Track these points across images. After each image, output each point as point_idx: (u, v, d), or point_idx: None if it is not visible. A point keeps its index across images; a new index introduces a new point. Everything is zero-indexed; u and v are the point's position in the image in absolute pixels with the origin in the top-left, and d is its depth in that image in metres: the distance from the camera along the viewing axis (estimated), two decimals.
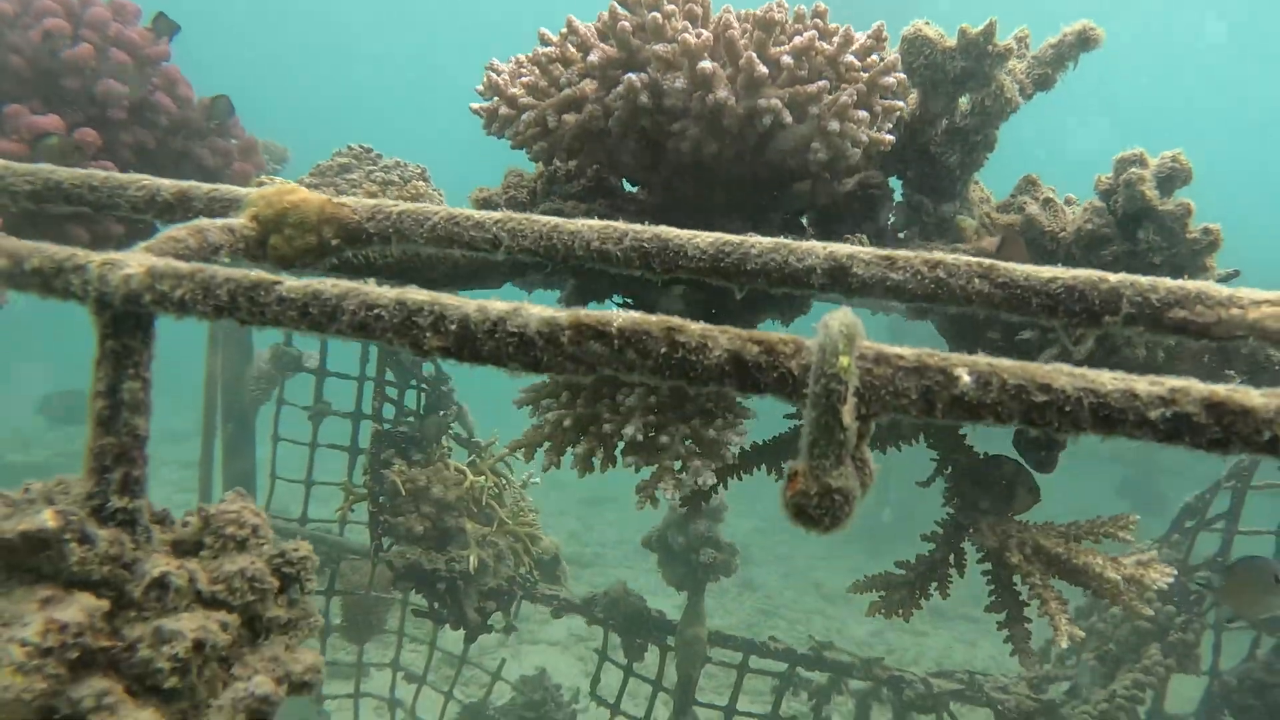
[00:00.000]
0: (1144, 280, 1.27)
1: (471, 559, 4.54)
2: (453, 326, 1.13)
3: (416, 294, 1.16)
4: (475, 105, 2.34)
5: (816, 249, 1.33)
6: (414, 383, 5.30)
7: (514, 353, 1.10)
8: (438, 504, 4.55)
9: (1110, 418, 0.94)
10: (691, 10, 2.17)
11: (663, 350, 1.04)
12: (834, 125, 2.08)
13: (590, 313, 1.10)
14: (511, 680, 5.95)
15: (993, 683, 4.70)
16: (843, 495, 0.97)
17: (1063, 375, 0.97)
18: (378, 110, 51.23)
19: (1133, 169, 2.08)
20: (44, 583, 1.26)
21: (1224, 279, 2.55)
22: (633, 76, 2.08)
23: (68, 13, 3.06)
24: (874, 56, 2.20)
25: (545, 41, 2.28)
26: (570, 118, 2.13)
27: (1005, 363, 0.99)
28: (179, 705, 1.27)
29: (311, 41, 54.80)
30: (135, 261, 1.33)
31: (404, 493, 4.54)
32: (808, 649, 4.79)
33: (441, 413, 4.75)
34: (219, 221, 1.54)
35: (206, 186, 1.65)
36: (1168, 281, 1.27)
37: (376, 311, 1.16)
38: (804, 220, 2.60)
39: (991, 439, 2.75)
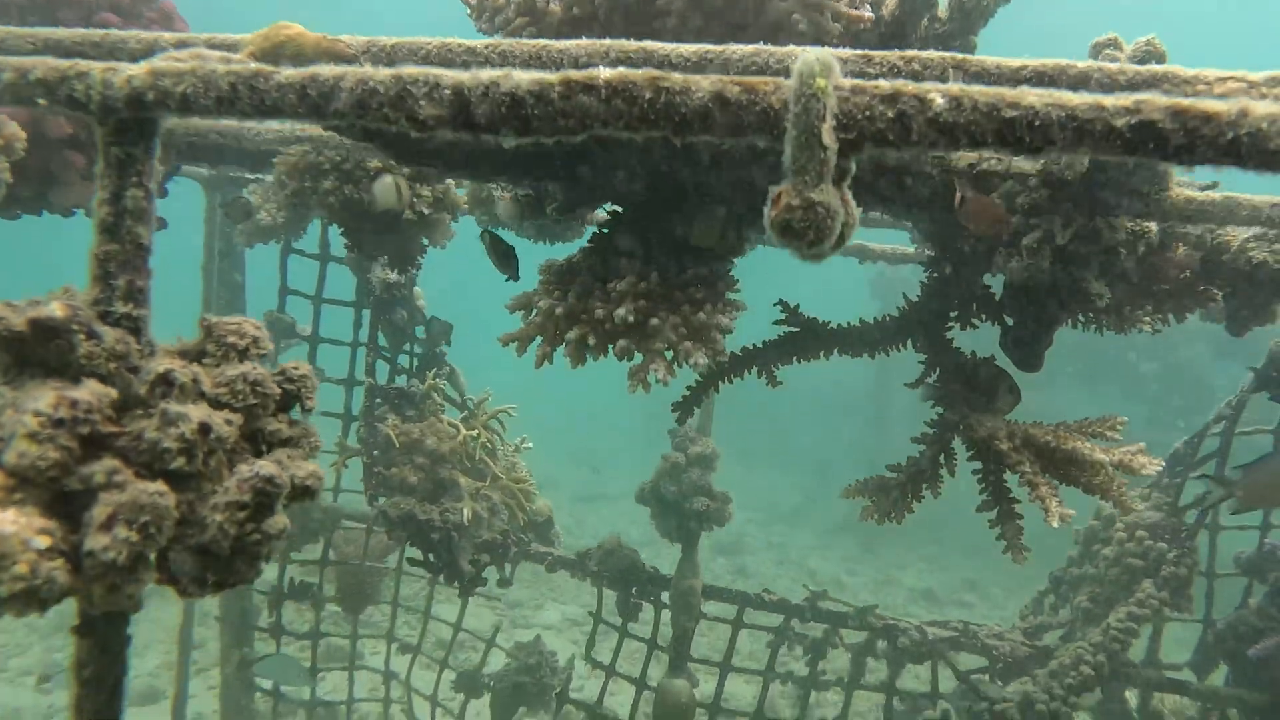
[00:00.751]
0: (1110, 65, 1.31)
1: (465, 511, 4.55)
2: (447, 93, 1.16)
3: (410, 69, 1.20)
4: None
5: (795, 50, 1.38)
6: (408, 347, 5.34)
7: (506, 114, 1.14)
8: (431, 456, 4.57)
9: (1079, 129, 0.98)
10: None
11: (648, 97, 1.08)
12: None
13: (578, 71, 1.14)
14: (506, 648, 5.94)
15: (988, 631, 4.73)
16: (825, 209, 1.01)
17: (1031, 95, 1.01)
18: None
19: (1107, 50, 2.14)
20: (54, 376, 1.29)
21: (1204, 189, 2.61)
22: None
23: None
24: None
25: None
26: (557, 5, 2.19)
27: (976, 87, 1.03)
28: (187, 490, 1.29)
29: None
30: (137, 68, 1.36)
31: (397, 445, 4.56)
32: (803, 600, 4.81)
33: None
34: (217, 53, 1.57)
35: (205, 35, 1.69)
36: (1135, 66, 1.32)
37: (372, 86, 1.20)
38: None
39: (978, 343, 2.80)
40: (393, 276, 5.01)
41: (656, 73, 1.09)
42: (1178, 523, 4.40)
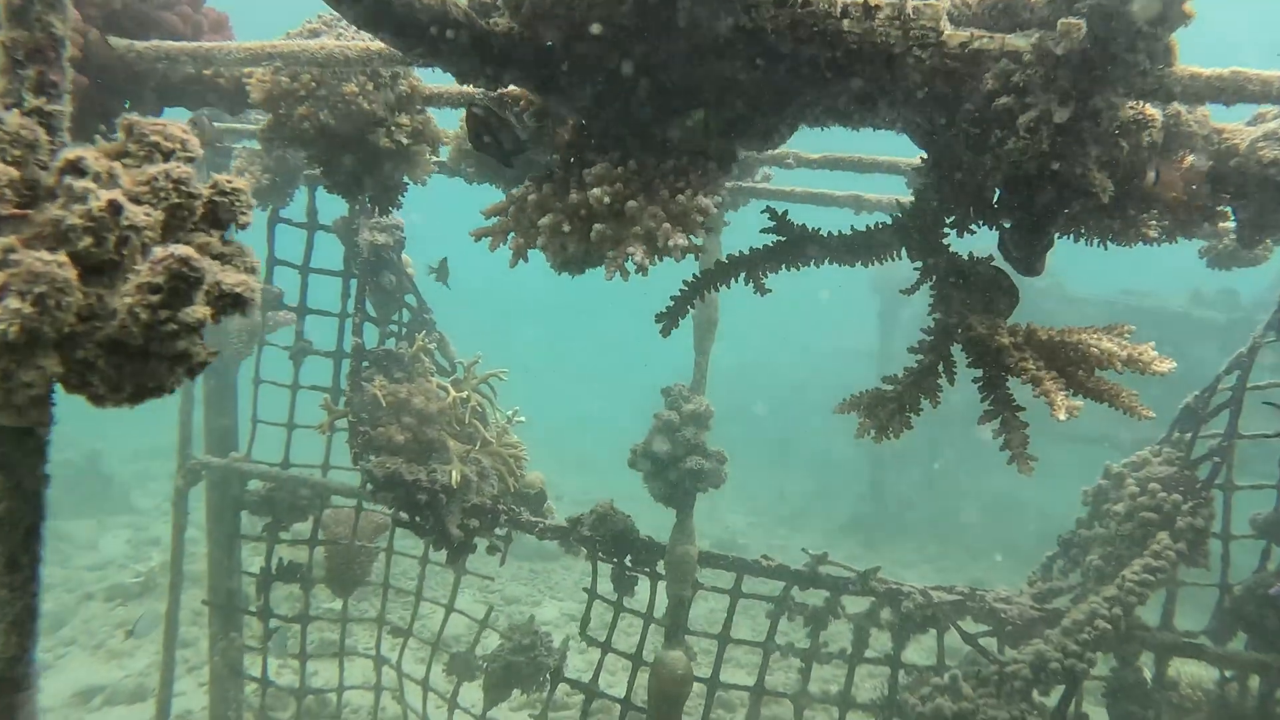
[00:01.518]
0: None
1: (454, 473, 4.42)
2: None
3: None
4: None
5: None
6: (396, 316, 5.23)
7: None
8: (419, 415, 4.44)
9: None
10: None
11: None
12: None
13: None
14: (500, 629, 5.77)
15: (995, 595, 4.56)
16: None
17: None
18: None
19: None
20: None
21: None
22: None
23: None
24: None
25: None
26: None
27: None
28: (99, 282, 1.17)
29: None
30: None
31: (384, 405, 4.44)
32: (803, 565, 4.65)
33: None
34: None
35: None
36: None
37: None
38: None
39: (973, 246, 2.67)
40: (380, 239, 4.92)
41: None
42: (1192, 476, 4.25)
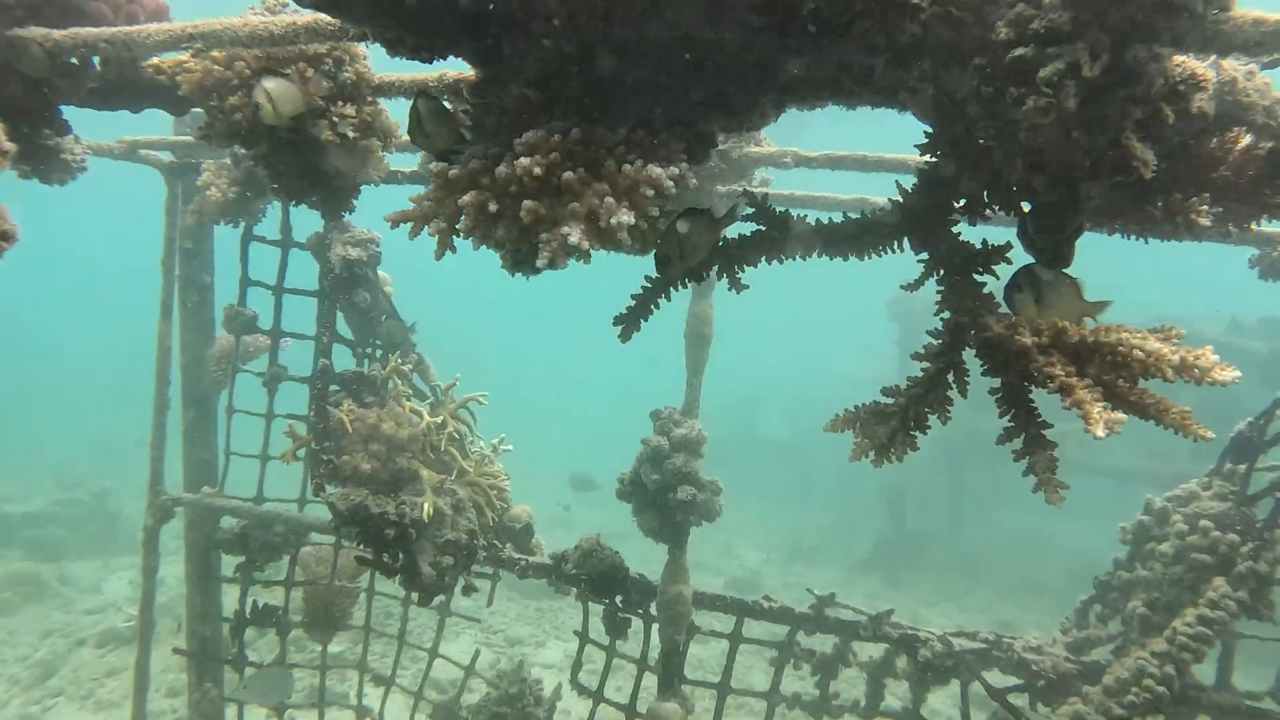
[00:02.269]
0: None
1: (426, 506, 4.04)
2: None
3: None
4: None
5: None
6: (374, 341, 4.91)
7: None
8: (388, 442, 4.08)
9: None
10: None
11: None
12: None
13: None
14: (488, 676, 5.34)
15: (1024, 644, 4.08)
16: None
17: None
18: None
19: None
20: None
21: None
22: None
23: None
24: None
25: None
26: None
27: None
28: None
29: None
30: None
31: (350, 431, 4.09)
32: (808, 607, 4.21)
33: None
34: None
35: None
36: None
37: None
38: None
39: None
40: (353, 253, 4.61)
41: None
42: (1249, 513, 3.77)
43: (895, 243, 2.25)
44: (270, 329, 5.17)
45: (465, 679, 5.44)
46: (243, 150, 3.09)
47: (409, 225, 1.93)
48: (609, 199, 1.73)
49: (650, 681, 4.48)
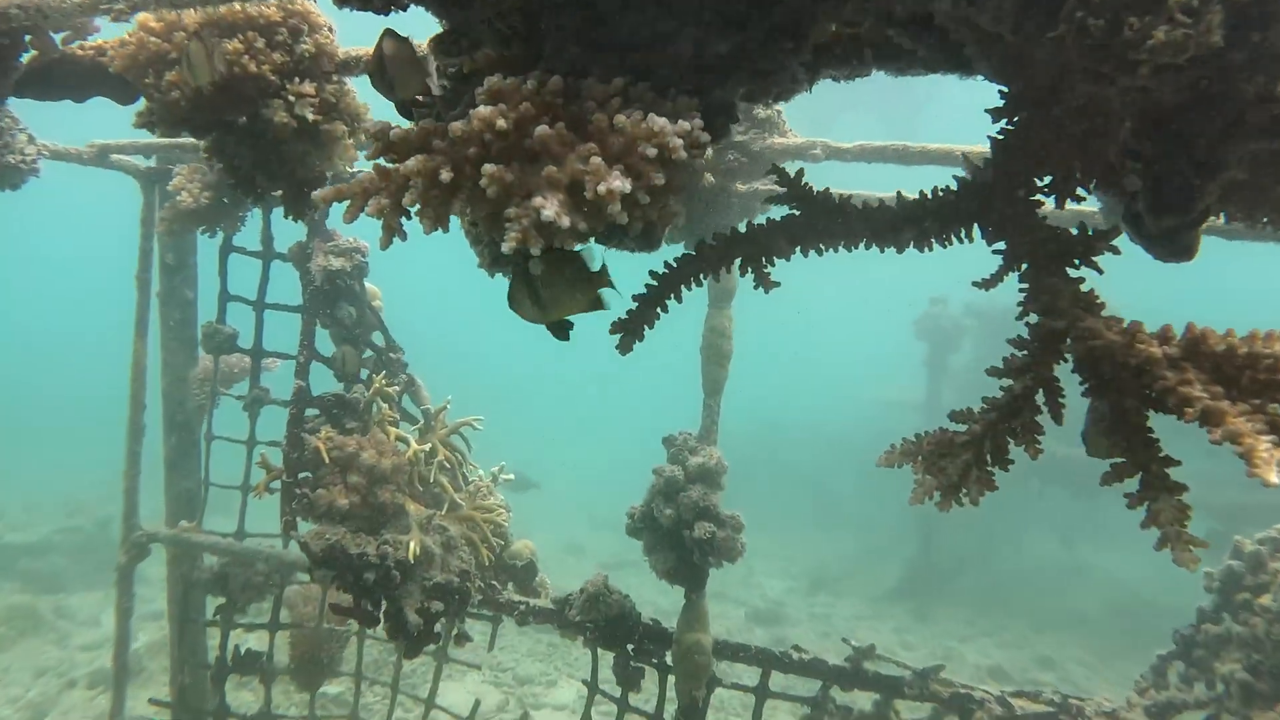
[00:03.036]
0: None
1: (412, 544, 3.60)
2: None
3: None
4: None
5: None
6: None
7: None
8: (369, 473, 3.65)
9: None
10: None
11: None
12: None
13: None
14: None
15: (1095, 706, 3.56)
16: None
17: None
18: None
19: None
20: None
21: None
22: None
23: None
24: None
25: None
26: None
27: None
28: None
29: None
30: None
31: (327, 461, 3.66)
32: (844, 660, 3.71)
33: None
34: None
35: None
36: None
37: None
38: None
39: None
40: (336, 263, 4.20)
41: None
42: None
43: (963, 230, 1.79)
44: (251, 348, 4.78)
45: None
46: (192, 138, 2.69)
47: (345, 206, 1.50)
48: (596, 159, 1.29)
49: None
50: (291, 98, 2.45)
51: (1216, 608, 3.55)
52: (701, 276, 1.76)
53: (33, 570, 12.63)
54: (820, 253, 1.80)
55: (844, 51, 2.02)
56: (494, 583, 4.19)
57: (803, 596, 12.83)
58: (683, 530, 3.47)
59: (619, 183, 1.27)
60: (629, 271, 1.84)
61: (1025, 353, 1.66)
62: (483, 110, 1.32)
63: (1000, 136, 1.79)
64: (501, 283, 1.91)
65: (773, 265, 1.79)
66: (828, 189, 1.82)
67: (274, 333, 4.92)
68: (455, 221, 1.56)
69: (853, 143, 3.25)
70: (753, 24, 1.73)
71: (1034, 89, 1.72)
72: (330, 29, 2.55)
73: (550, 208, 1.26)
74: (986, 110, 1.81)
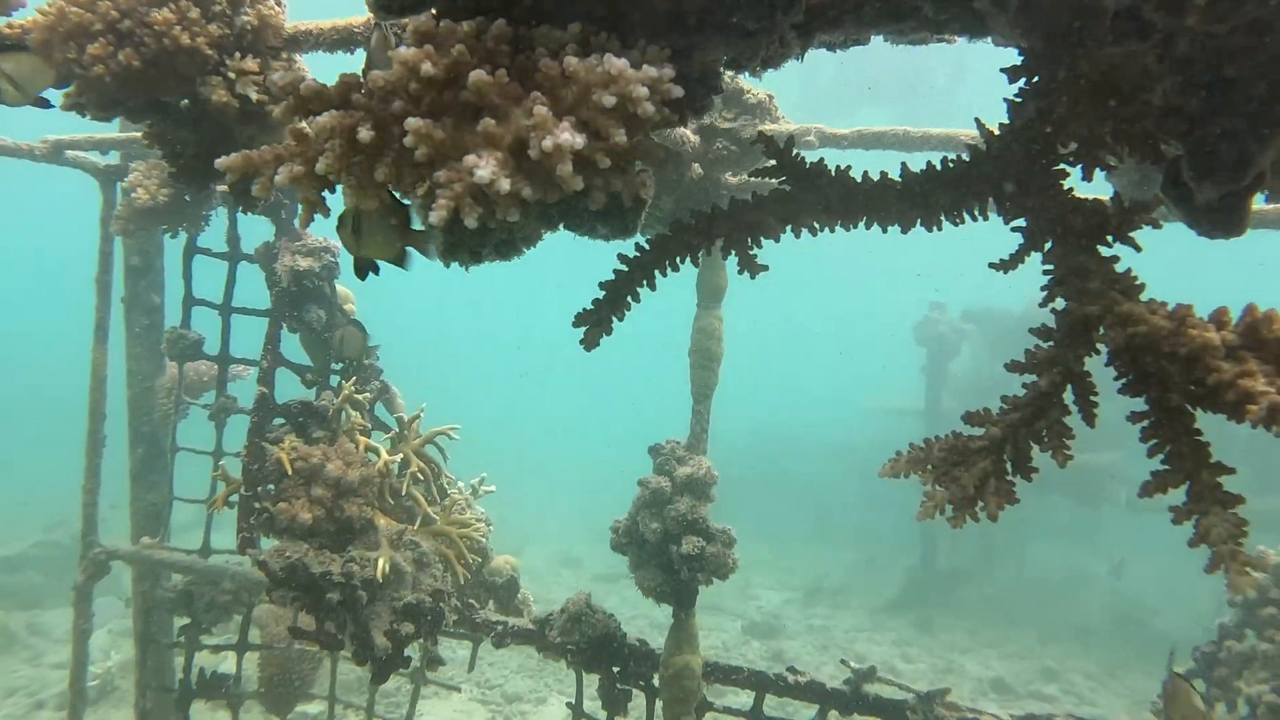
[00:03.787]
0: None
1: (381, 562, 3.36)
2: None
3: None
4: None
5: None
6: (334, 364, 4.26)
7: None
8: (335, 486, 3.41)
9: None
10: None
11: None
12: None
13: None
14: None
15: None
16: None
17: None
18: None
19: None
20: None
21: None
22: None
23: None
24: None
25: None
26: None
27: None
28: None
29: None
30: None
31: (290, 473, 3.42)
32: (842, 682, 3.48)
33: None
34: None
35: None
36: None
37: None
38: None
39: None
40: (303, 264, 3.97)
41: None
42: None
43: (978, 206, 1.57)
44: (218, 354, 4.54)
45: None
46: (128, 120, 2.46)
47: (258, 181, 1.27)
48: (542, 108, 1.07)
49: None
50: (232, 74, 2.23)
51: (1239, 624, 3.33)
52: (679, 261, 1.53)
53: (7, 586, 12.31)
54: (814, 232, 1.58)
55: (839, 10, 1.80)
56: (472, 601, 3.96)
57: (801, 608, 12.57)
58: (670, 545, 3.24)
59: (567, 135, 1.04)
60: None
61: (1051, 343, 1.44)
62: (404, 52, 1.10)
63: (1018, 100, 1.57)
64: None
65: (759, 247, 1.57)
66: (822, 160, 1.60)
67: (243, 338, 4.69)
68: None
69: (850, 129, 3.04)
70: None
71: (1057, 45, 1.50)
72: (277, 0, 2.33)
73: (487, 169, 1.04)
74: (1002, 70, 1.59)
